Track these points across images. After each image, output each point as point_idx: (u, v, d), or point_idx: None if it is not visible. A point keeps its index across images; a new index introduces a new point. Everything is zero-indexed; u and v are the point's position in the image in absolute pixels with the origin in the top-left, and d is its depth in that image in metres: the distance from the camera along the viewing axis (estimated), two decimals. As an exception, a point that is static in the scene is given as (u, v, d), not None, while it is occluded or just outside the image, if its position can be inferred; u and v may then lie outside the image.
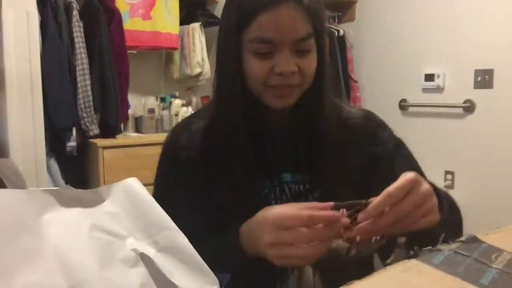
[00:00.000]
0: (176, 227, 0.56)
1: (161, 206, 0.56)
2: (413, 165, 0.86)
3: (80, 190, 0.53)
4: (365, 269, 0.45)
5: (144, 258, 0.52)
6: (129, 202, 0.56)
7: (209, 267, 0.56)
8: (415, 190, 0.58)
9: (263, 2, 0.75)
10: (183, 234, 0.56)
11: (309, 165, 0.83)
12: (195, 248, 0.56)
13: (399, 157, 0.86)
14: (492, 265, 0.37)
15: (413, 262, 0.37)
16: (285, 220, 0.61)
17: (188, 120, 0.92)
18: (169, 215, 0.56)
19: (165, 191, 0.85)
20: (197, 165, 0.83)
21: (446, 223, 0.66)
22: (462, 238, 0.41)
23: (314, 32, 0.77)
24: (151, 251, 0.53)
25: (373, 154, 0.85)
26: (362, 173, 0.81)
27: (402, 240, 0.60)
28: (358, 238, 0.60)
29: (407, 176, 0.59)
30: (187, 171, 0.83)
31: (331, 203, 0.60)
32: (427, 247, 0.39)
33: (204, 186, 0.81)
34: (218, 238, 0.74)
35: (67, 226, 0.48)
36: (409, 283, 0.34)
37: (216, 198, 0.80)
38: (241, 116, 0.80)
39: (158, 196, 0.57)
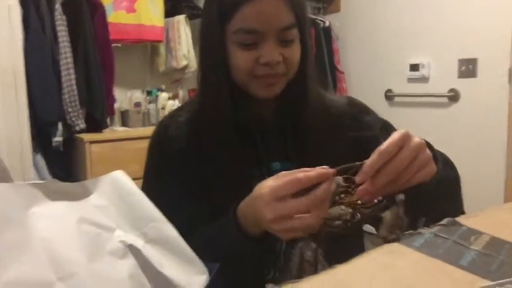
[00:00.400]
0: (164, 218, 0.56)
1: (152, 199, 0.56)
2: None
3: (66, 184, 0.53)
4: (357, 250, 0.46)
5: (133, 250, 0.52)
6: (116, 195, 0.56)
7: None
8: (407, 144, 0.59)
9: None
10: (171, 225, 0.56)
11: (297, 154, 0.83)
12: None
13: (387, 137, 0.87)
14: (471, 247, 0.39)
15: (395, 245, 0.39)
16: (280, 190, 0.60)
17: (174, 113, 0.92)
18: (160, 207, 0.56)
19: (155, 184, 0.85)
20: (186, 156, 0.83)
21: (443, 179, 0.67)
22: (443, 222, 0.42)
23: (297, 22, 0.78)
24: (139, 243, 0.53)
25: (360, 139, 0.86)
26: (349, 159, 0.82)
27: (401, 197, 0.59)
28: (359, 202, 0.59)
29: (397, 132, 0.59)
30: (176, 162, 0.83)
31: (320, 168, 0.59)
32: (409, 231, 0.40)
33: (194, 176, 0.82)
34: (212, 224, 0.74)
35: (55, 219, 0.48)
36: (391, 265, 0.35)
37: (206, 189, 0.81)
38: (227, 108, 0.80)
39: (149, 189, 0.57)
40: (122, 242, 0.52)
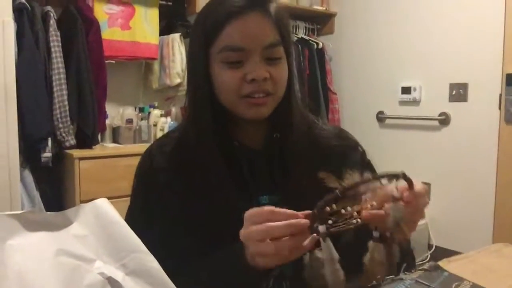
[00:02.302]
0: (146, 249, 0.55)
1: (139, 234, 0.55)
2: None
3: (46, 213, 0.52)
4: None
5: (112, 282, 0.51)
6: (98, 224, 0.55)
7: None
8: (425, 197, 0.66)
9: (229, 12, 0.75)
10: (153, 257, 0.55)
11: (283, 186, 0.82)
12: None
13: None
14: (452, 295, 0.38)
15: (376, 293, 0.38)
16: (256, 216, 0.63)
17: (161, 142, 0.90)
18: (147, 243, 0.55)
19: (141, 218, 0.82)
20: (171, 189, 0.81)
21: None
22: (425, 267, 0.41)
23: (282, 41, 0.78)
24: (119, 275, 0.52)
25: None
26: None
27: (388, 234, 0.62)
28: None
29: (422, 184, 0.66)
30: (162, 196, 0.81)
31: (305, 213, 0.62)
32: (391, 277, 0.39)
33: (182, 210, 0.79)
34: (216, 256, 0.73)
35: (32, 252, 0.47)
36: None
37: (195, 220, 0.78)
38: (212, 133, 0.79)
39: (135, 224, 0.56)
40: (101, 274, 0.51)
